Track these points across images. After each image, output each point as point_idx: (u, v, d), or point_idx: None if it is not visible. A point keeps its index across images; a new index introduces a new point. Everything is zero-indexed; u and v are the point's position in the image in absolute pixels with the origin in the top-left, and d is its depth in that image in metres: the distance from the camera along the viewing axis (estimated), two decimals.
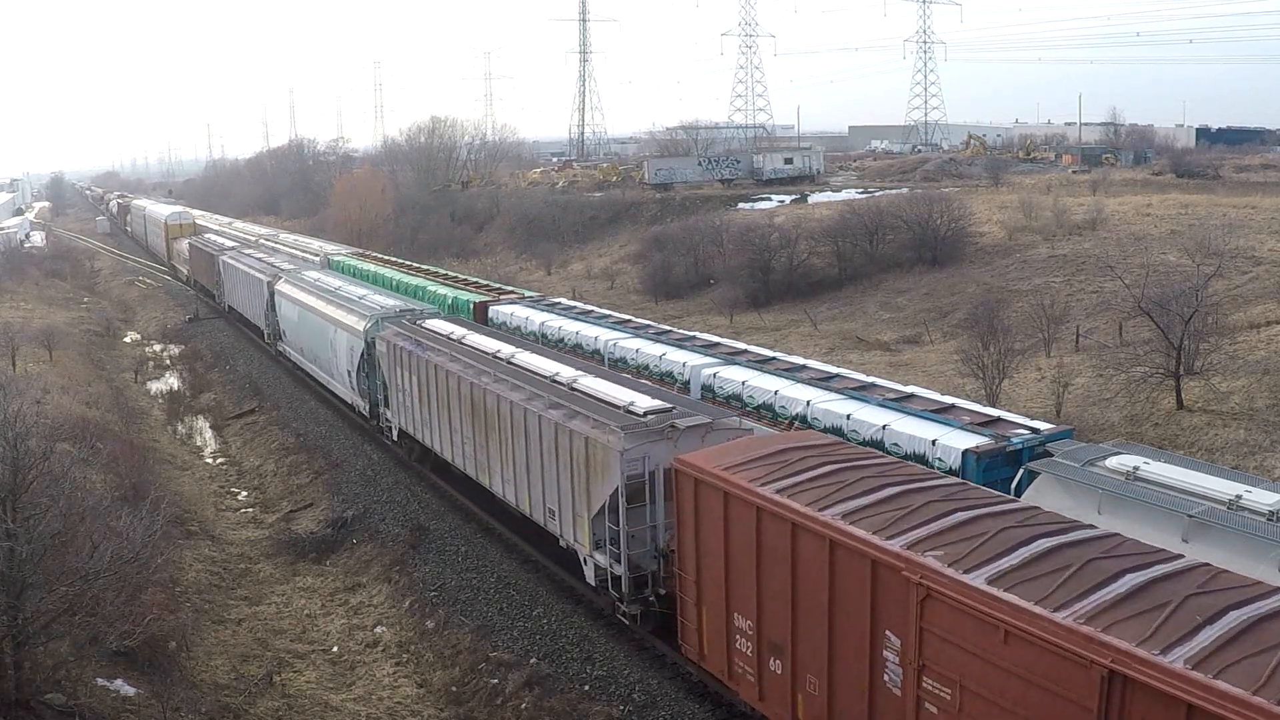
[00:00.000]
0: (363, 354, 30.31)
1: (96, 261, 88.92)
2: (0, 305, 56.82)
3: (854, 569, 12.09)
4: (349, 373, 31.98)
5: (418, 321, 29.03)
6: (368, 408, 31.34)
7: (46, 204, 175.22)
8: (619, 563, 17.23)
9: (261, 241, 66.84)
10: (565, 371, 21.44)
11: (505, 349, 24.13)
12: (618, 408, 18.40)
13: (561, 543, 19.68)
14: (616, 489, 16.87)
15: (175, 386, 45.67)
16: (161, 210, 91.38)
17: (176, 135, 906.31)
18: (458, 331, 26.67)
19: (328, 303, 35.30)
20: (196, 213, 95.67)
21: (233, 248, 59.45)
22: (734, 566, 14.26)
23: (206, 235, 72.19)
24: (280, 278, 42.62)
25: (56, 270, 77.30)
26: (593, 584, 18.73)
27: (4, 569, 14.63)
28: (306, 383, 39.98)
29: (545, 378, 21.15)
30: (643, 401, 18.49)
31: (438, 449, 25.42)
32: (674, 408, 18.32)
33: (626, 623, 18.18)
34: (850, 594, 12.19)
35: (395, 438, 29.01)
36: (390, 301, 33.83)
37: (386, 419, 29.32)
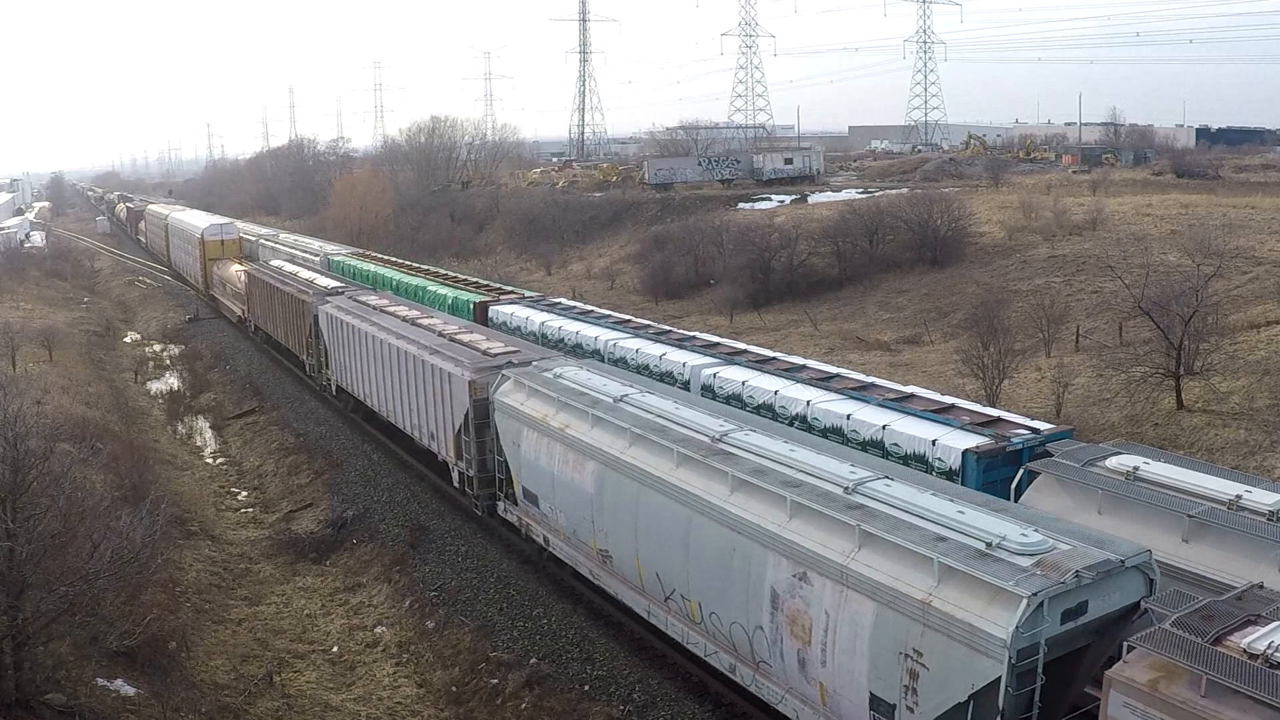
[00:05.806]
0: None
1: (96, 261, 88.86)
2: (0, 305, 56.80)
3: None
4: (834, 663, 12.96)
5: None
6: None
7: (46, 204, 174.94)
8: None
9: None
10: None
11: None
12: None
13: None
14: None
15: (175, 386, 45.67)
16: (195, 221, 67.90)
17: (176, 135, 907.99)
18: None
19: (740, 488, 14.74)
20: (244, 226, 73.22)
21: (338, 291, 37.35)
22: None
23: (275, 263, 52.01)
24: (504, 377, 21.77)
25: (56, 270, 77.26)
26: None
27: (4, 569, 14.64)
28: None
29: None
30: None
31: None
32: None
33: None
34: None
35: None
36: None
37: None
